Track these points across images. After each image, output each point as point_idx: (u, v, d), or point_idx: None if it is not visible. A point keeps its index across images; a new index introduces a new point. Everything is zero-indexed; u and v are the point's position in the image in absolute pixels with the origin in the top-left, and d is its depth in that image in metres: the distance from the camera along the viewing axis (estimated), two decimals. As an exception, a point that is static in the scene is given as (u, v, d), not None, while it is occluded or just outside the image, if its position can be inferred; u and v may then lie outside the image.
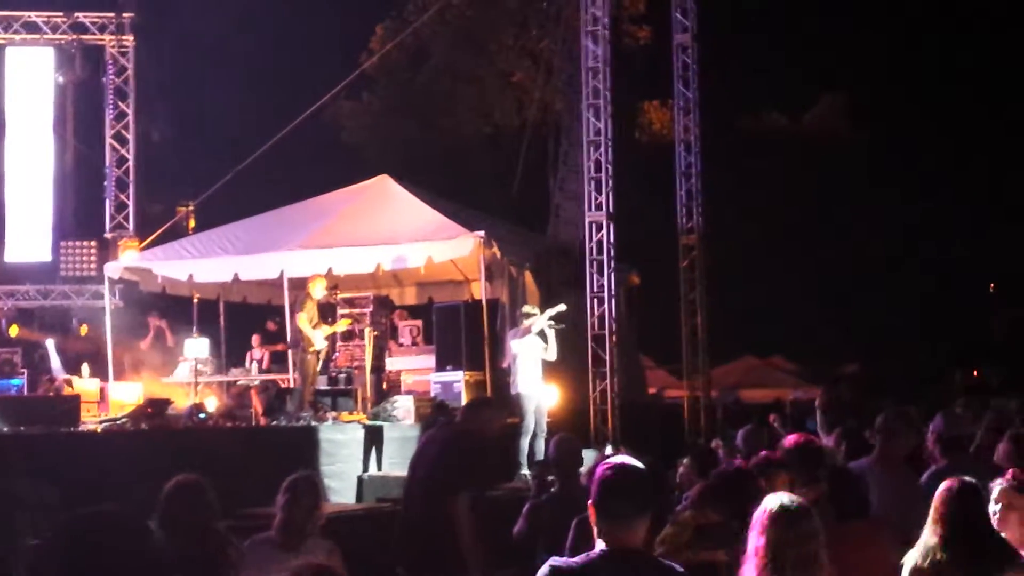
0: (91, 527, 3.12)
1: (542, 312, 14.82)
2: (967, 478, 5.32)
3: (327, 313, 18.03)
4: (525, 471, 13.98)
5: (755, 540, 4.63)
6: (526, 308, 15.11)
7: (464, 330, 17.58)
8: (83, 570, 3.07)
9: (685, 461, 9.34)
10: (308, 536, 6.44)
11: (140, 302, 20.66)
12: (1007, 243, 34.86)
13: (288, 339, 17.10)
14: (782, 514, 4.66)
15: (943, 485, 5.28)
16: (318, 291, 16.42)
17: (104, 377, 18.70)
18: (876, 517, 6.30)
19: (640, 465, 4.65)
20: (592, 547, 4.49)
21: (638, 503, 4.60)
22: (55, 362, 20.27)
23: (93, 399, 17.24)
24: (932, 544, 5.17)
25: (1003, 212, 35.17)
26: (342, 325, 17.73)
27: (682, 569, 4.49)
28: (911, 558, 5.21)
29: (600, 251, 18.38)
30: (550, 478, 8.84)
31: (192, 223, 22.81)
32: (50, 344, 20.57)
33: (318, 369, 16.73)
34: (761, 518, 4.65)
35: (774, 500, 4.76)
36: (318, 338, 16.10)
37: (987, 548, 5.10)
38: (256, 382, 18.43)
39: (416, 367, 18.61)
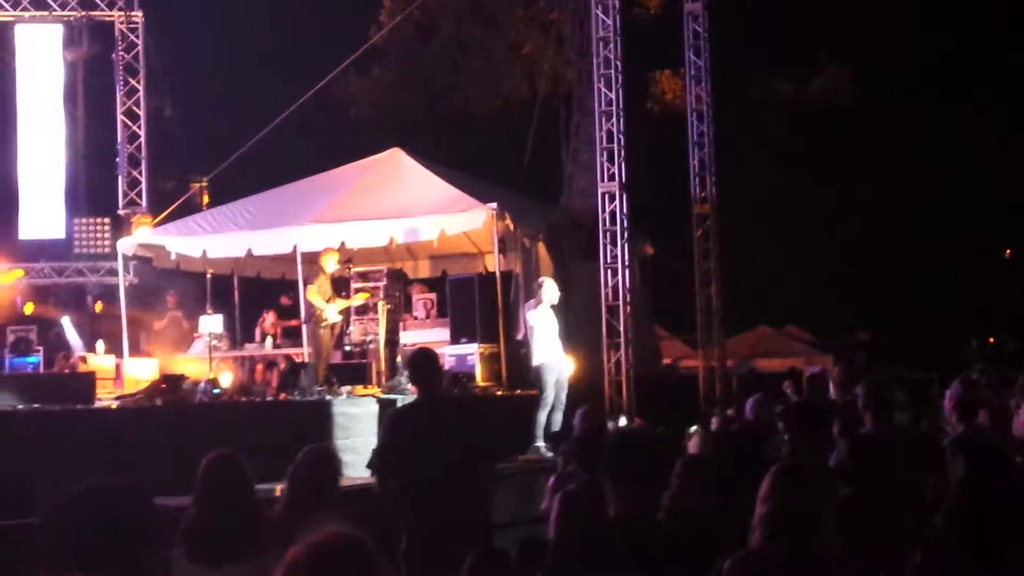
0: (97, 499, 3.12)
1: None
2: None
3: (341, 287, 18.05)
4: (540, 443, 13.95)
5: (759, 503, 4.63)
6: (542, 279, 15.02)
7: (478, 302, 17.58)
8: (90, 541, 3.08)
9: (694, 429, 9.33)
10: (315, 511, 6.29)
11: (155, 279, 20.66)
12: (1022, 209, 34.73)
13: (302, 314, 17.12)
14: (781, 476, 4.65)
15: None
16: (330, 264, 16.42)
17: (119, 354, 18.75)
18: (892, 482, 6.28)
19: (651, 432, 4.66)
20: (577, 524, 4.53)
21: (650, 470, 4.62)
22: (73, 339, 20.34)
23: (108, 376, 17.28)
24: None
25: (1017, 177, 34.97)
26: (359, 299, 17.72)
27: None
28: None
29: (613, 222, 18.34)
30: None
31: (206, 199, 22.83)
32: (66, 321, 20.63)
33: (332, 343, 16.76)
34: (765, 481, 4.65)
35: (777, 465, 4.75)
36: (331, 312, 16.13)
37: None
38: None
39: (430, 340, 18.58)
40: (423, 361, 7.94)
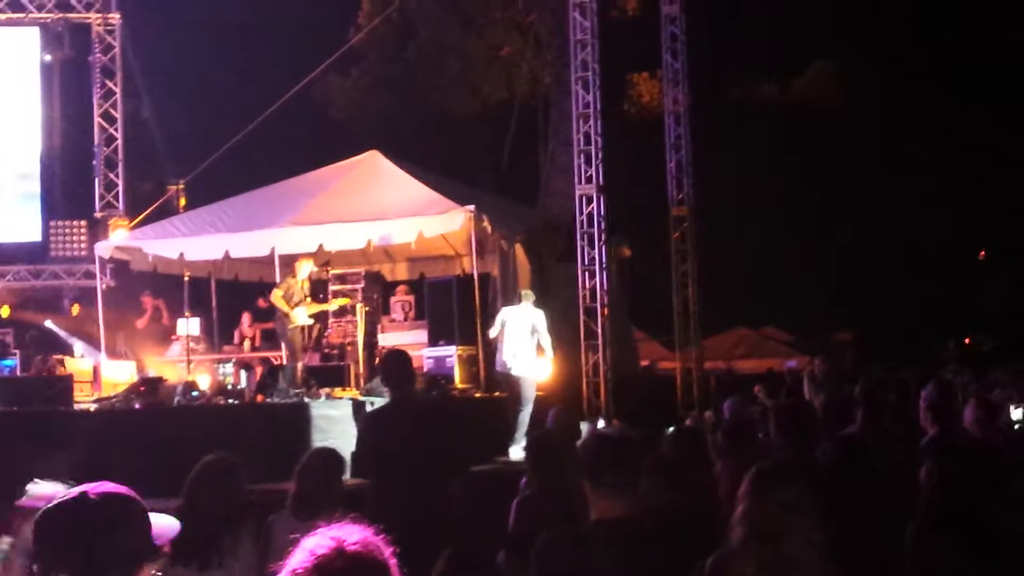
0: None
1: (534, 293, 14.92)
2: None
3: (319, 290, 18.09)
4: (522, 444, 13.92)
5: (739, 501, 4.67)
6: (523, 293, 15.08)
7: (456, 305, 17.63)
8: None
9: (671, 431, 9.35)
10: (323, 510, 6.37)
11: (132, 281, 20.61)
12: (998, 210, 34.92)
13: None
14: (760, 479, 4.69)
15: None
16: (303, 271, 16.56)
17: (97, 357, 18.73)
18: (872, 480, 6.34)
19: (629, 434, 4.69)
20: (536, 530, 4.56)
21: (628, 472, 4.66)
22: (66, 337, 20.24)
23: (86, 378, 17.25)
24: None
25: (996, 178, 35.17)
26: (335, 304, 17.81)
27: None
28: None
29: (591, 224, 18.38)
30: None
31: (183, 201, 22.77)
32: (50, 324, 20.58)
33: (304, 344, 16.85)
34: (745, 480, 4.69)
35: (757, 466, 4.79)
36: (299, 315, 16.27)
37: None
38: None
39: (409, 342, 18.59)
40: (394, 363, 7.95)
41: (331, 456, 6.84)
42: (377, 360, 17.87)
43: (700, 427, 9.48)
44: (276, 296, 16.33)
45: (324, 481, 6.55)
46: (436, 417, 7.68)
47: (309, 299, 16.75)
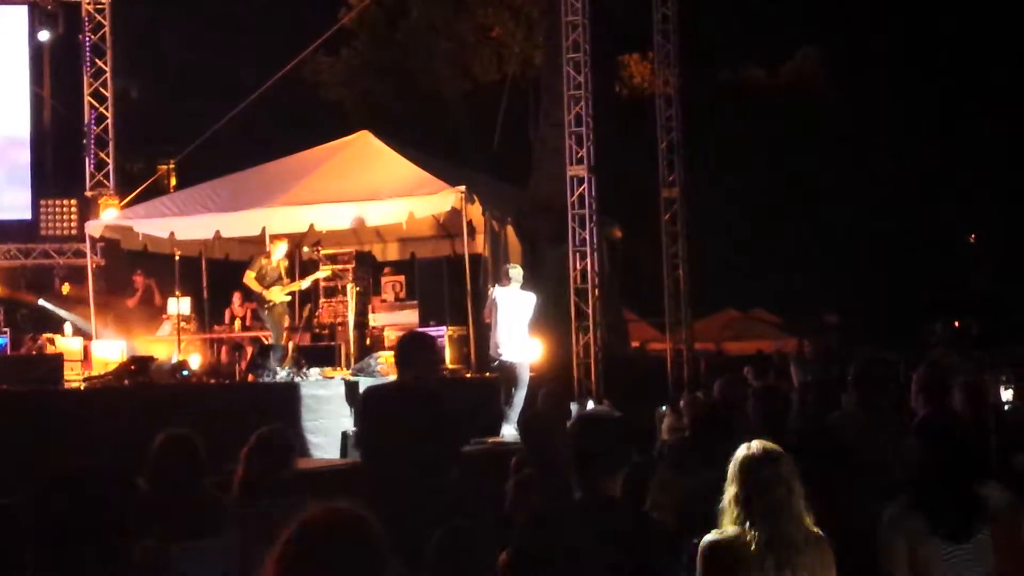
0: (74, 481, 3.15)
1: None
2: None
3: (311, 270, 18.17)
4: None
5: (727, 488, 4.72)
6: (509, 267, 14.98)
7: (447, 285, 17.65)
8: (67, 523, 3.10)
9: (664, 409, 9.40)
10: (269, 493, 6.17)
11: (123, 260, 20.60)
12: (987, 193, 34.99)
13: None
14: (748, 461, 4.73)
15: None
16: (278, 252, 16.77)
17: (87, 335, 18.71)
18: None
19: (613, 416, 4.72)
20: (531, 507, 4.60)
21: (611, 454, 4.71)
22: (64, 315, 20.20)
23: (76, 357, 17.22)
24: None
25: (984, 161, 35.23)
26: (308, 281, 17.88)
27: None
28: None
29: (582, 205, 18.40)
30: None
31: (173, 181, 22.73)
32: (44, 303, 20.55)
33: (292, 324, 16.96)
34: (731, 464, 4.73)
35: (743, 448, 4.83)
36: (275, 293, 16.50)
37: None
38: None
39: (399, 322, 18.61)
40: (402, 346, 7.93)
41: (276, 436, 6.60)
42: (368, 340, 17.98)
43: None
44: (249, 278, 16.59)
45: (269, 463, 6.37)
46: (429, 402, 7.66)
47: (286, 279, 16.84)
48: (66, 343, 18.07)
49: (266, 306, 16.42)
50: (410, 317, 18.38)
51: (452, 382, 15.98)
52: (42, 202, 22.72)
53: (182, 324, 18.29)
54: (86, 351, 17.83)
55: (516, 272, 14.58)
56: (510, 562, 4.81)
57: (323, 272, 18.13)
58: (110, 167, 22.87)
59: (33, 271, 22.74)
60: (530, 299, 14.55)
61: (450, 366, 16.89)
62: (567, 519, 4.75)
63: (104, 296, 19.98)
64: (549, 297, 16.30)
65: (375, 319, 18.87)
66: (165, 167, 22.94)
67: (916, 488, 5.16)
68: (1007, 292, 32.24)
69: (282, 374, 15.08)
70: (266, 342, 17.67)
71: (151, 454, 5.92)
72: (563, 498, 5.50)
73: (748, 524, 4.64)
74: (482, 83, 29.34)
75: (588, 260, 18.31)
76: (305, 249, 18.99)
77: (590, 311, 18.18)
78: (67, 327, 19.42)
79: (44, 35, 22.86)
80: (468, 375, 16.65)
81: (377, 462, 7.46)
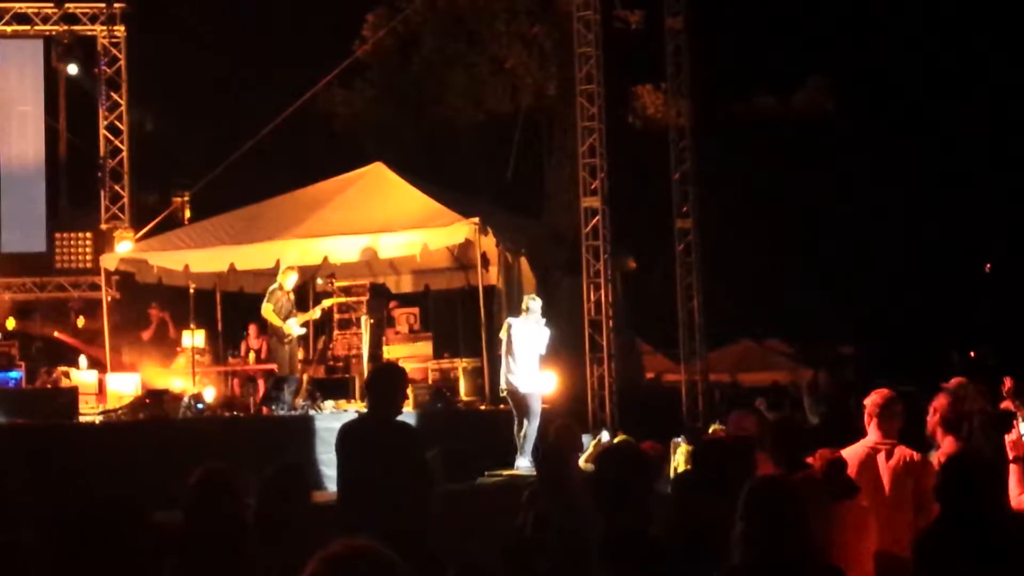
0: (87, 513, 3.14)
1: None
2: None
3: (321, 301, 18.17)
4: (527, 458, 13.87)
5: (738, 520, 4.68)
6: (529, 298, 14.90)
7: (461, 317, 17.66)
8: (79, 554, 3.09)
9: (680, 440, 9.35)
10: (285, 526, 6.08)
11: (138, 293, 20.62)
12: (1002, 223, 34.93)
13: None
14: (758, 493, 4.69)
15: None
16: (289, 282, 16.55)
17: (102, 369, 18.71)
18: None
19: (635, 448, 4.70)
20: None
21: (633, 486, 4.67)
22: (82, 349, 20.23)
23: (91, 391, 17.22)
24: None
25: (998, 190, 35.19)
26: (318, 311, 17.77)
27: None
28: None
29: (595, 236, 18.40)
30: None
31: (188, 213, 22.76)
32: (59, 335, 20.59)
33: (306, 356, 16.90)
34: (742, 498, 4.69)
35: (755, 480, 4.80)
36: (292, 326, 16.22)
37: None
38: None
39: (413, 355, 18.61)
40: (372, 378, 7.92)
41: (291, 470, 6.54)
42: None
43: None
44: (267, 311, 16.30)
45: (285, 496, 6.26)
46: (401, 436, 7.59)
47: (295, 311, 16.82)
48: (81, 376, 18.06)
49: (285, 340, 16.28)
50: (424, 349, 18.38)
51: (466, 414, 15.96)
52: (57, 235, 22.78)
53: (196, 357, 18.29)
54: (101, 384, 17.82)
55: (535, 304, 14.51)
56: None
57: (332, 300, 18.08)
58: (125, 200, 22.94)
59: (48, 304, 22.77)
60: (545, 333, 14.48)
61: (464, 398, 16.85)
62: (590, 554, 4.72)
63: (119, 329, 19.98)
64: (563, 328, 16.27)
65: (389, 351, 18.85)
66: (180, 199, 22.94)
67: (941, 516, 5.15)
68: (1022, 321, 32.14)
69: (297, 407, 15.07)
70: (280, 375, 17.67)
71: (190, 489, 5.88)
72: (579, 530, 5.48)
73: (759, 557, 4.60)
74: (495, 114, 29.37)
75: (602, 291, 18.29)
76: (319, 281, 18.98)
77: (604, 343, 18.15)
78: (82, 360, 19.43)
79: (73, 68, 22.88)
80: (482, 407, 16.61)
81: (348, 494, 7.48)
